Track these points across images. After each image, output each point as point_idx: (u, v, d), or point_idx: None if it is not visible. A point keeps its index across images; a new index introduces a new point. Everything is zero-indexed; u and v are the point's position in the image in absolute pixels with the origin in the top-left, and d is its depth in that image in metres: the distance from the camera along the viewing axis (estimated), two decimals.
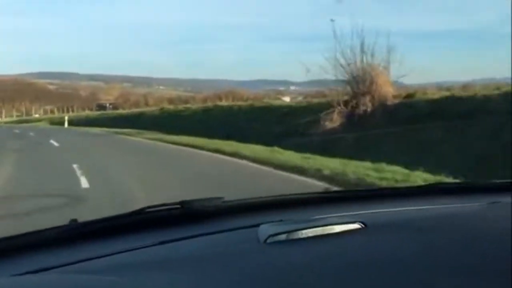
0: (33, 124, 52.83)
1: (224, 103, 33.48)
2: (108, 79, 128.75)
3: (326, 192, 1.78)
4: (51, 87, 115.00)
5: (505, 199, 1.35)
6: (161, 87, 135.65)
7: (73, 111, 69.49)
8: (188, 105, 39.06)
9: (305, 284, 0.83)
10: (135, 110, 48.25)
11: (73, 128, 39.26)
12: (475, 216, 1.22)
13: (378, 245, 1.02)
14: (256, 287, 0.83)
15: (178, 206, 1.23)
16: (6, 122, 60.91)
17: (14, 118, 69.77)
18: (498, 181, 1.70)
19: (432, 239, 1.04)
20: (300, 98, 35.41)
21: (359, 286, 0.82)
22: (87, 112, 63.07)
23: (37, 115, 72.61)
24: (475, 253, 0.94)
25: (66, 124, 42.51)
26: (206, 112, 29.63)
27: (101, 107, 72.93)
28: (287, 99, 37.38)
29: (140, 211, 1.20)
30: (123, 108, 59.50)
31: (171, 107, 39.40)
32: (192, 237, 1.10)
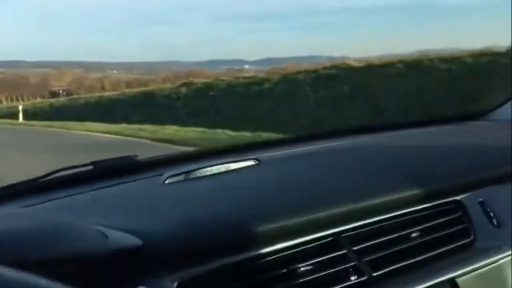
0: None
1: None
2: (57, 66, 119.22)
3: (233, 144, 2.34)
4: None
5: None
6: (114, 71, 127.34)
7: (23, 100, 60.20)
8: (262, 76, 16.55)
9: (197, 212, 0.90)
10: (133, 90, 24.52)
11: (36, 126, 16.66)
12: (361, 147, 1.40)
13: (270, 174, 1.13)
14: (153, 219, 0.88)
15: (90, 166, 1.22)
16: None
17: None
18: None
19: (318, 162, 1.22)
20: (262, 75, 32.30)
21: (252, 211, 0.89)
22: (48, 100, 39.96)
23: None
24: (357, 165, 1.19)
25: (21, 117, 25.60)
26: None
27: (54, 94, 63.73)
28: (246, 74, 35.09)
29: (53, 173, 1.17)
30: (77, 94, 48.79)
31: (208, 80, 17.40)
32: (101, 188, 1.12)
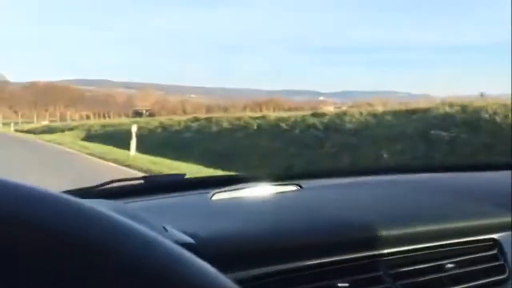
0: (56, 136, 25.64)
1: None
2: (140, 87, 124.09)
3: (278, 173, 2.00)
4: (87, 93, 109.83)
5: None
6: (192, 95, 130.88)
7: (109, 117, 62.86)
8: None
9: (243, 221, 0.96)
10: (291, 114, 16.12)
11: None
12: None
13: (312, 198, 1.19)
14: (203, 225, 0.91)
15: (141, 180, 1.33)
16: (28, 130, 38.41)
17: (46, 123, 50.60)
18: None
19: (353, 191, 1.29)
20: (344, 108, 30.96)
21: (296, 225, 0.95)
22: (158, 120, 24.89)
23: (44, 123, 50.74)
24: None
25: (133, 149, 13.08)
26: None
27: (138, 113, 66.36)
28: (330, 108, 33.32)
29: (107, 183, 1.25)
30: (159, 115, 48.46)
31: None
32: (151, 199, 1.19)
